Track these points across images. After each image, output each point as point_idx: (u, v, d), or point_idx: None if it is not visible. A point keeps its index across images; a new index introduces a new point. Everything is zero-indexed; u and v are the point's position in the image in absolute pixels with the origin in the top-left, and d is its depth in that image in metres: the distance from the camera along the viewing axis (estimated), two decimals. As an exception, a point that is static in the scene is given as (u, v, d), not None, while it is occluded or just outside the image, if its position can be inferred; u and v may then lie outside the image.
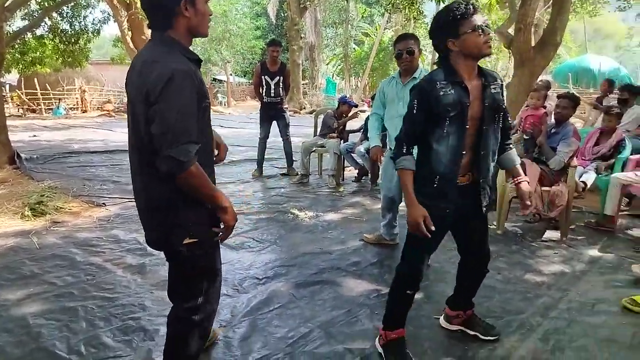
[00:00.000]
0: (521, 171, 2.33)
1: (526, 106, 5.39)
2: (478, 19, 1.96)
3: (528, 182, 2.31)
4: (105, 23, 15.10)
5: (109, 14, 14.79)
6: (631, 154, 4.67)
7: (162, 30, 1.66)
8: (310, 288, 3.11)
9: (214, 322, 1.97)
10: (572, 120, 4.31)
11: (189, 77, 1.56)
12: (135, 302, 2.91)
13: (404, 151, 2.09)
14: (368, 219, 4.65)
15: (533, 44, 7.86)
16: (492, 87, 2.08)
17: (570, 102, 4.21)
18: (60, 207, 4.84)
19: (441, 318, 2.63)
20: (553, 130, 4.25)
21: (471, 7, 1.97)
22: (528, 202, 2.26)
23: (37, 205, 4.71)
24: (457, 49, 2.00)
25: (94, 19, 14.76)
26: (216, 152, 2.08)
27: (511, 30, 8.57)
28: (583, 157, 4.82)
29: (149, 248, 3.74)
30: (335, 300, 2.93)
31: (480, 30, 1.95)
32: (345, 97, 6.67)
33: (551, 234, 4.13)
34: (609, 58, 25.72)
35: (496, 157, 2.22)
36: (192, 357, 1.92)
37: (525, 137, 4.41)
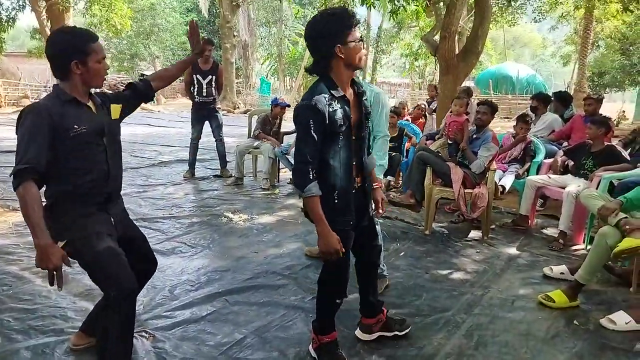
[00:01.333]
0: (376, 177, 2.51)
1: (450, 112, 5.69)
2: (359, 32, 2.05)
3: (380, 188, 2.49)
4: (21, 11, 14.09)
5: (25, 2, 13.83)
6: (545, 158, 5.07)
7: (60, 80, 2.02)
8: (245, 293, 3.09)
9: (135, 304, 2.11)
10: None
11: (36, 112, 1.91)
12: (57, 314, 2.75)
13: (311, 177, 2.00)
14: (303, 221, 4.67)
15: (457, 51, 8.29)
16: (364, 96, 2.20)
17: (489, 109, 4.49)
18: (-30, 213, 4.47)
19: (357, 332, 2.58)
20: (474, 136, 4.50)
21: (355, 16, 2.03)
22: (381, 211, 2.44)
23: (-58, 211, 4.32)
24: (342, 56, 2.00)
25: (7, 7, 13.65)
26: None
27: (437, 38, 8.98)
28: (502, 161, 5.16)
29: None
30: (269, 305, 2.93)
31: (361, 43, 2.03)
32: (277, 99, 6.68)
33: (474, 234, 4.39)
34: (525, 66, 27.65)
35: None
36: (119, 337, 2.03)
37: (449, 142, 4.64)
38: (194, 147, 6.60)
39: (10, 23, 12.18)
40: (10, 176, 1.86)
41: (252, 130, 6.62)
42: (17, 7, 13.85)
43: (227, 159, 6.77)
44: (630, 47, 20.30)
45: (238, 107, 21.54)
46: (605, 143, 4.34)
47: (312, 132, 1.98)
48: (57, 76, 2.02)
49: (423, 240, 4.21)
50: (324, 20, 2.01)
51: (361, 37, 2.04)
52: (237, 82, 24.92)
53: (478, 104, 4.64)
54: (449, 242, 4.18)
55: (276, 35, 30.99)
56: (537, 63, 49.17)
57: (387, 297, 3.04)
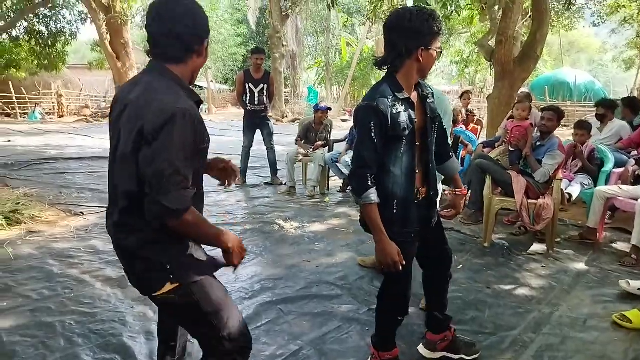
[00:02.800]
0: (460, 182, 2.33)
1: (509, 118, 5.44)
2: (440, 41, 1.96)
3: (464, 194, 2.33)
4: (82, 24, 14.79)
5: (87, 15, 14.53)
6: (614, 168, 4.74)
7: (164, 62, 1.56)
8: (299, 303, 3.03)
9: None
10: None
11: (190, 117, 1.46)
12: (116, 318, 2.79)
13: (370, 183, 1.89)
14: (355, 230, 4.59)
15: (514, 56, 7.99)
16: (429, 99, 2.07)
17: (555, 115, 4.25)
18: (36, 216, 4.66)
19: (421, 347, 2.46)
20: (538, 143, 4.28)
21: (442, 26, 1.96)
22: (455, 212, 2.29)
23: (12, 214, 4.52)
24: (421, 60, 1.90)
25: (71, 21, 14.35)
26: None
27: (491, 43, 8.71)
28: (565, 171, 4.87)
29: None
30: (324, 316, 2.86)
31: (439, 54, 1.95)
32: (318, 104, 6.67)
33: (538, 247, 4.14)
34: (583, 72, 26.41)
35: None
36: None
37: (510, 149, 4.42)
38: (246, 154, 6.67)
39: (72, 37, 12.79)
40: (163, 203, 1.41)
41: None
42: (79, 20, 14.56)
43: (277, 167, 6.79)
44: (701, 50, 19.03)
45: (286, 116, 21.75)
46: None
47: (373, 135, 1.87)
48: (163, 56, 1.56)
49: (482, 253, 4.01)
50: (415, 17, 1.86)
51: (440, 47, 1.95)
52: (285, 92, 25.23)
53: (542, 110, 4.40)
54: (510, 256, 3.97)
55: (324, 44, 31.18)
56: (594, 69, 46.95)
57: (448, 312, 2.90)
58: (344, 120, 19.79)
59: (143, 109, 1.45)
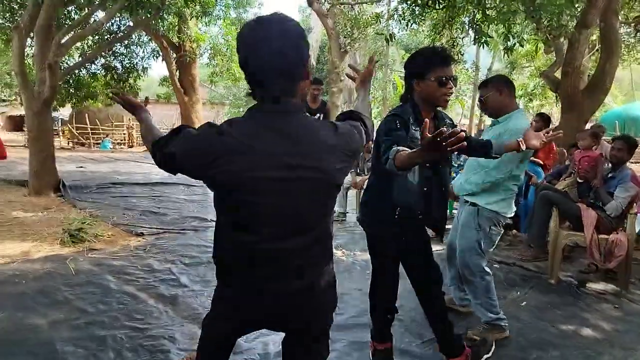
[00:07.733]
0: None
1: (575, 148, 5.15)
2: (446, 71, 2.04)
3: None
4: (155, 60, 15.71)
5: (158, 52, 15.50)
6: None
7: (291, 97, 1.40)
8: (351, 331, 2.91)
9: None
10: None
11: None
12: (166, 335, 2.80)
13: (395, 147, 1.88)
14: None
15: (581, 87, 7.65)
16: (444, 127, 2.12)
17: (626, 144, 3.97)
18: (99, 235, 4.87)
19: None
20: (610, 175, 4.00)
21: (445, 57, 2.06)
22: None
23: (77, 232, 4.74)
24: (419, 89, 2.11)
25: (143, 57, 15.27)
26: None
27: (557, 74, 8.40)
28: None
29: (182, 279, 3.68)
30: (374, 346, 2.72)
31: (443, 83, 2.03)
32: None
33: (609, 287, 3.81)
34: (658, 107, 24.87)
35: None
36: None
37: (579, 180, 4.16)
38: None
39: (144, 72, 13.59)
40: None
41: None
42: (152, 57, 15.49)
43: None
44: None
45: (342, 149, 21.85)
46: None
47: (398, 126, 2.02)
48: (286, 92, 1.38)
49: (547, 290, 3.73)
50: (414, 53, 2.19)
51: (445, 76, 2.05)
52: (342, 126, 25.43)
53: (613, 139, 4.14)
54: (578, 294, 3.66)
55: (381, 80, 31.39)
56: (671, 105, 44.21)
57: (508, 350, 2.70)
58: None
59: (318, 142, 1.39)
